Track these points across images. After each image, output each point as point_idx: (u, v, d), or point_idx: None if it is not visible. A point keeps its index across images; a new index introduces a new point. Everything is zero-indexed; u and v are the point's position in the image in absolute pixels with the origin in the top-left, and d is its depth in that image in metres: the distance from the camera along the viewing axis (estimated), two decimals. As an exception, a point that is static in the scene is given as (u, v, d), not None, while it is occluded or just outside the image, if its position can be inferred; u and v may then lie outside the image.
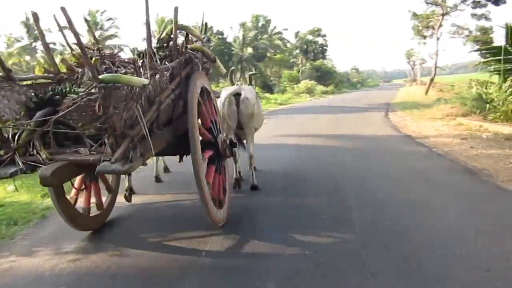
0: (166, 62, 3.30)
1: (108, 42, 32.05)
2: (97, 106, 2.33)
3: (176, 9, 3.33)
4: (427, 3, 21.77)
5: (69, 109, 2.41)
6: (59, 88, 2.96)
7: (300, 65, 45.94)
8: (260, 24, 45.13)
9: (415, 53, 48.48)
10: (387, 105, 19.41)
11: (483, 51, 9.24)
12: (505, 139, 7.61)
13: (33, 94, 2.88)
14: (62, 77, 3.28)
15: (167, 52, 3.49)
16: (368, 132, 10.05)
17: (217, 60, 4.03)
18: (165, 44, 3.62)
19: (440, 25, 22.59)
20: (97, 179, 3.75)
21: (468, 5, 20.46)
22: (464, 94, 16.83)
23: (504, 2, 20.01)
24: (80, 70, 3.30)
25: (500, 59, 8.90)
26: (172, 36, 3.50)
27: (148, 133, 2.67)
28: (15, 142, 2.67)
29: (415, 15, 24.24)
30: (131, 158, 2.55)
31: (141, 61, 3.14)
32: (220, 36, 37.73)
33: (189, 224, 3.77)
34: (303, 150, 7.71)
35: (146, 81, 2.68)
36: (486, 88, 13.76)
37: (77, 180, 3.66)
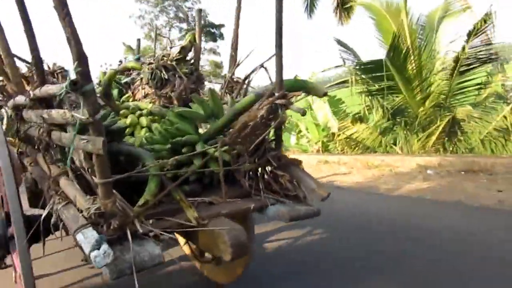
0: None
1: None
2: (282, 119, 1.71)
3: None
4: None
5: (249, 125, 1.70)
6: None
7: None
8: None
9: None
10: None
11: (360, 67, 7.94)
12: (464, 172, 6.46)
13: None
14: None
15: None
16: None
17: None
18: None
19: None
20: None
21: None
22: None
23: (223, 39, 22.47)
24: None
25: (376, 75, 7.72)
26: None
27: None
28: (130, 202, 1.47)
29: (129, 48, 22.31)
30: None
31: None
32: None
33: None
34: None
35: (325, 90, 1.91)
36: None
37: None
